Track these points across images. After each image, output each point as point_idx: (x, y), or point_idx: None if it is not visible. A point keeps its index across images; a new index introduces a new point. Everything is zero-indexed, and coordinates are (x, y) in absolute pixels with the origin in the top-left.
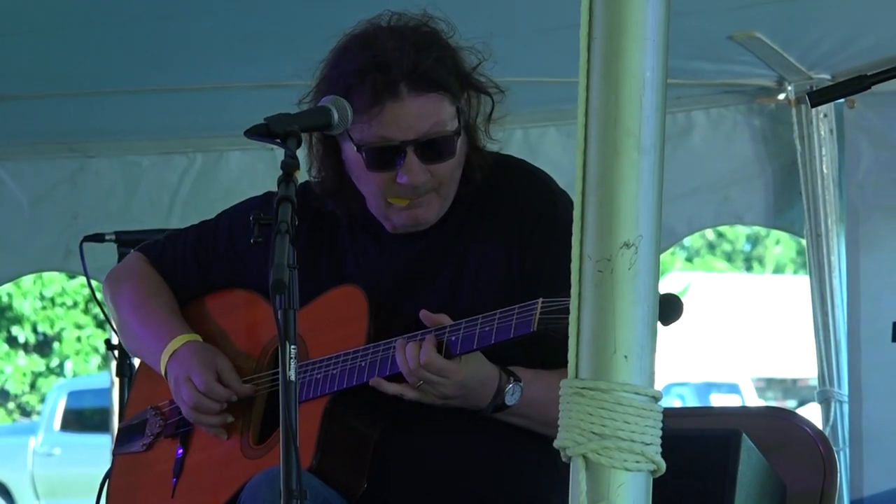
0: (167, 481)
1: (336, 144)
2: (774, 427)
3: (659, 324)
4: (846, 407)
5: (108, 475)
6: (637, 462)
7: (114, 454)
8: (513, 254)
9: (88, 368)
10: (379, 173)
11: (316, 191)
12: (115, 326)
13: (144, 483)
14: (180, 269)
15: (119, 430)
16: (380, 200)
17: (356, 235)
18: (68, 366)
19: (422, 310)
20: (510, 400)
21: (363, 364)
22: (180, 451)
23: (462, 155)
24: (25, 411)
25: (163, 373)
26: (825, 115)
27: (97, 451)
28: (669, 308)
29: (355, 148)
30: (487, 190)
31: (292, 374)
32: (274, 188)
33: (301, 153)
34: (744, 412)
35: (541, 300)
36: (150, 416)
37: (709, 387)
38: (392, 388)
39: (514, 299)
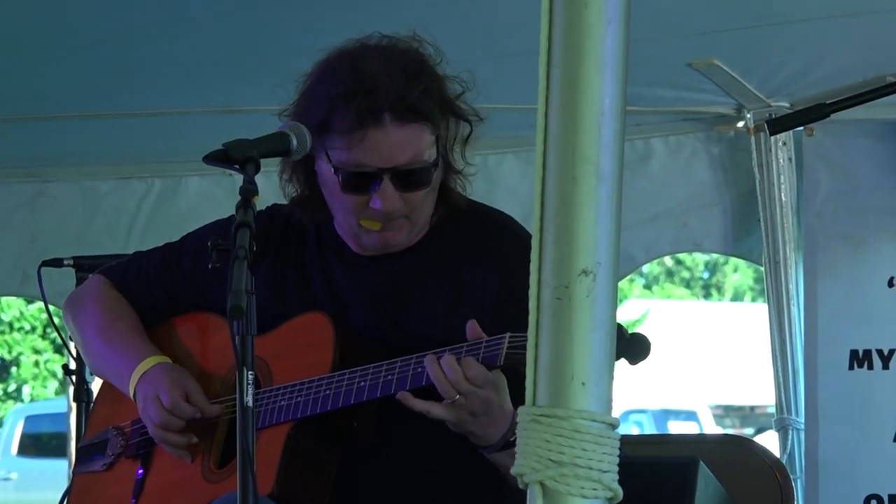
0: (126, 502)
1: (310, 155)
2: (732, 455)
3: (625, 362)
4: (803, 435)
5: (66, 494)
6: (594, 489)
7: (73, 473)
8: (490, 279)
9: (46, 393)
10: (352, 196)
11: (283, 210)
12: (76, 348)
13: (103, 503)
14: (145, 292)
15: (79, 448)
16: (351, 220)
17: (324, 255)
18: (26, 390)
19: (470, 321)
20: None
21: (328, 392)
22: (140, 471)
23: (437, 183)
24: None
25: (131, 394)
26: (784, 143)
27: (54, 476)
28: (638, 347)
29: (332, 169)
30: (465, 218)
31: (249, 401)
32: (233, 214)
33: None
34: (701, 440)
35: (508, 335)
36: (111, 435)
37: (666, 414)
38: (419, 404)
39: (488, 325)
